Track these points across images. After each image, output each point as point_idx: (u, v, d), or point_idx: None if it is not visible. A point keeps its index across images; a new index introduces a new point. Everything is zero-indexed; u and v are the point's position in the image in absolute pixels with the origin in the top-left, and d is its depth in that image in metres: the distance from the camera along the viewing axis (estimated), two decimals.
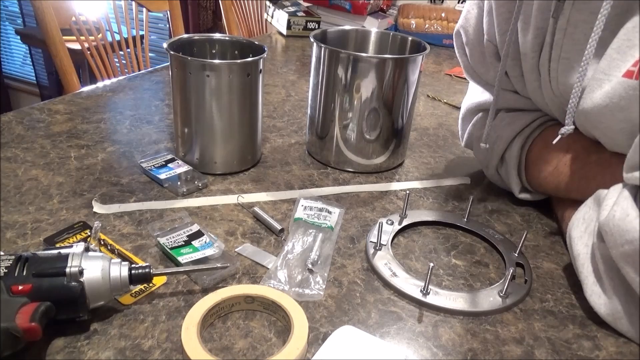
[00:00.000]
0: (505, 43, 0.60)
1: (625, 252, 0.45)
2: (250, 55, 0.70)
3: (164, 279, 0.51)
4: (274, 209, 0.65)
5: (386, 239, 0.60)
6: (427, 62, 1.41)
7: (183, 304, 0.49)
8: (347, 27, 0.84)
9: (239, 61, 0.66)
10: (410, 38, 0.79)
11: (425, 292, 0.52)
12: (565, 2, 0.54)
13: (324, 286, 0.52)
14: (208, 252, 0.54)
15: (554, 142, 0.57)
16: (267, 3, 1.68)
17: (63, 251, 0.44)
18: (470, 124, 0.76)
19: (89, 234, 0.56)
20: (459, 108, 0.82)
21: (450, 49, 1.52)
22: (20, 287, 0.41)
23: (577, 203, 0.56)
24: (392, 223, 0.63)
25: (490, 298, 0.52)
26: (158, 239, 0.55)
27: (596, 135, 0.57)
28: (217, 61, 0.66)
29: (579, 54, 0.54)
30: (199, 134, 0.69)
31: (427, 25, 1.59)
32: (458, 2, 1.67)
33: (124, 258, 0.53)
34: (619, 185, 0.49)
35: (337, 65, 0.70)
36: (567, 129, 0.55)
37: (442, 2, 1.74)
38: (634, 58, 0.48)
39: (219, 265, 0.51)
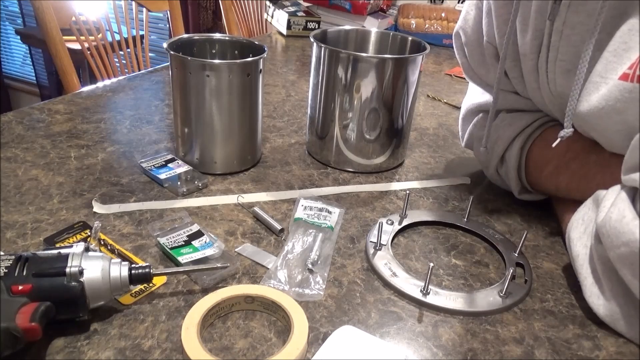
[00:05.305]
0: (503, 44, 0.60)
1: (622, 254, 0.45)
2: (250, 55, 0.70)
3: (164, 279, 0.51)
4: (274, 209, 0.65)
5: (386, 239, 0.60)
6: (427, 62, 1.41)
7: (183, 304, 0.49)
8: (347, 27, 0.84)
9: (238, 61, 0.66)
10: (410, 38, 0.79)
11: (425, 292, 0.52)
12: (561, 3, 0.54)
13: (324, 286, 0.52)
14: (208, 252, 0.54)
15: (554, 145, 0.57)
16: (267, 3, 1.68)
17: (63, 251, 0.44)
18: (471, 124, 0.75)
19: (89, 234, 0.56)
20: (459, 108, 0.82)
21: (450, 49, 1.52)
22: (20, 287, 0.41)
23: (577, 203, 0.56)
24: (392, 223, 0.63)
25: (490, 298, 0.52)
26: (158, 239, 0.55)
27: (594, 137, 0.57)
28: (217, 61, 0.66)
29: (575, 55, 0.54)
30: (199, 134, 0.69)
31: (427, 25, 1.59)
32: (458, 2, 1.67)
33: (124, 258, 0.53)
34: (617, 187, 0.49)
35: (337, 65, 0.70)
36: (567, 131, 0.55)
37: (442, 2, 1.74)
38: (629, 61, 0.48)
39: (219, 265, 0.51)
